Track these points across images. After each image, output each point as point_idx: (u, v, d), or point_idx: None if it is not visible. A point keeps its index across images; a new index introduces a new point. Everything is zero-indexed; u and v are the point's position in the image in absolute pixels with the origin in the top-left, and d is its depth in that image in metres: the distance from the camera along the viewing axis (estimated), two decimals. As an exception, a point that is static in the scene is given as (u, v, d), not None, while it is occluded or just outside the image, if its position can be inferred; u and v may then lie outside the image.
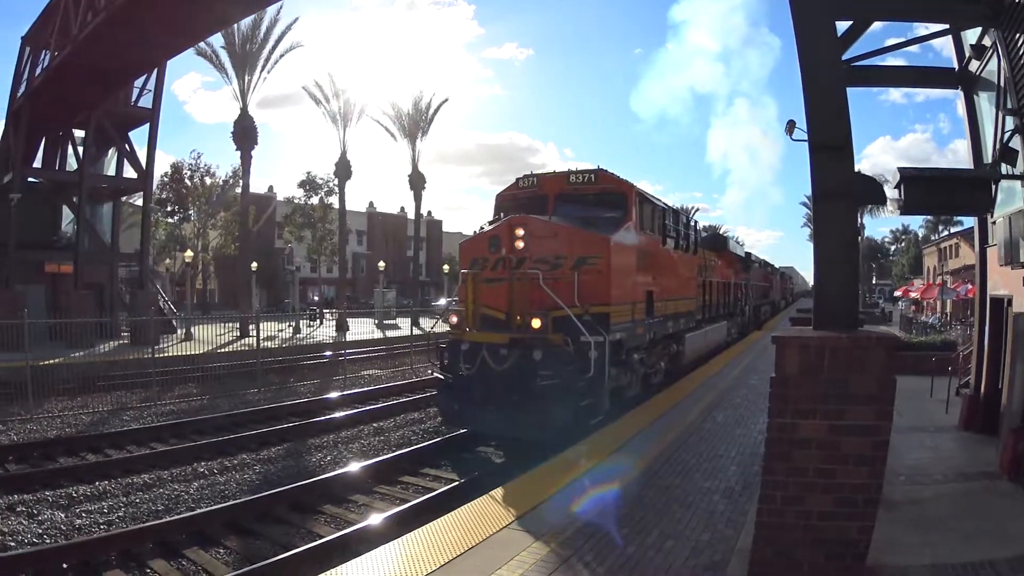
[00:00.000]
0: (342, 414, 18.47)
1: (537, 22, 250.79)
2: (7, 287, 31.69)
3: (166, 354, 28.11)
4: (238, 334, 37.18)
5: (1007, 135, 10.38)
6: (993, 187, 10.81)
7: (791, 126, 13.39)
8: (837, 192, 6.76)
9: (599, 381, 13.17)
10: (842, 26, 7.88)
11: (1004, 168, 10.28)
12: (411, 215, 64.66)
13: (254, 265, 49.18)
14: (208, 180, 58.55)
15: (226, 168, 69.11)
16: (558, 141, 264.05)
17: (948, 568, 6.76)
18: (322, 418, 18.05)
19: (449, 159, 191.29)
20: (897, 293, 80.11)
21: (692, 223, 22.72)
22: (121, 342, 32.20)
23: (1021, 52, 9.55)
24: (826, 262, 6.83)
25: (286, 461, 14.54)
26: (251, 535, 10.30)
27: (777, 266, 69.36)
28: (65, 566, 8.83)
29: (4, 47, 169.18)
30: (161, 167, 42.97)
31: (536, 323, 13.10)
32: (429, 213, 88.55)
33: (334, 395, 21.67)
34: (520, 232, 13.82)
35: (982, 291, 13.28)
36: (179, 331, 35.11)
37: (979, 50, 11.47)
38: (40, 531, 10.26)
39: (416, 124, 55.26)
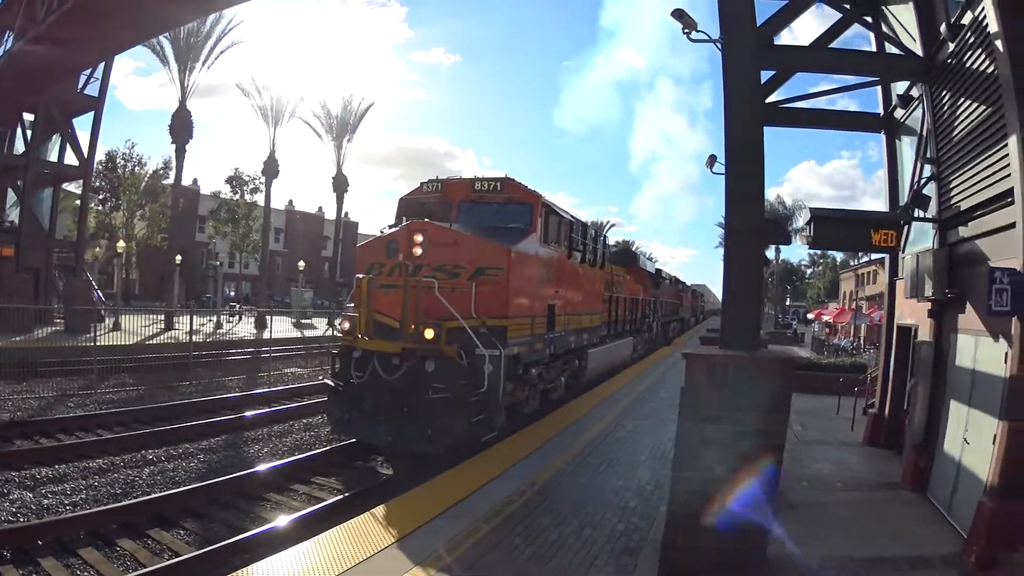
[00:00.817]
0: (269, 410, 19.01)
1: (467, 29, 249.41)
2: None
3: (98, 343, 28.08)
4: (163, 326, 37.29)
5: (923, 181, 11.57)
6: (905, 227, 11.98)
7: (712, 160, 14.53)
8: (746, 231, 7.82)
9: (493, 396, 12.75)
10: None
11: (916, 212, 11.38)
12: (329, 215, 65.17)
13: (178, 258, 49.21)
14: (139, 170, 57.96)
15: (156, 158, 69.12)
16: (477, 149, 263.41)
17: (844, 560, 7.79)
18: (250, 413, 18.40)
19: (368, 160, 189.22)
20: (810, 316, 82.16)
21: (601, 237, 22.63)
22: (55, 328, 32.20)
23: (945, 107, 10.77)
24: (733, 290, 7.91)
25: (226, 451, 15.15)
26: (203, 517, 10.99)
27: (689, 284, 70.89)
28: (40, 543, 9.37)
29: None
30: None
31: (429, 333, 12.57)
32: (347, 214, 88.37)
33: (260, 391, 22.35)
34: (419, 238, 13.57)
35: (889, 319, 14.51)
36: (107, 320, 34.99)
37: (906, 99, 12.71)
38: (13, 510, 10.73)
39: (343, 127, 56.29)
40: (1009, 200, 8.03)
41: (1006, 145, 8.13)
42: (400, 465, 13.74)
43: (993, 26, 8.41)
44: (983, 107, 9.24)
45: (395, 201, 16.39)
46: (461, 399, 12.30)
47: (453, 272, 13.28)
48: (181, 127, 41.17)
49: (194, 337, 28.38)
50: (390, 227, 15.63)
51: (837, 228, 11.08)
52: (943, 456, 10.16)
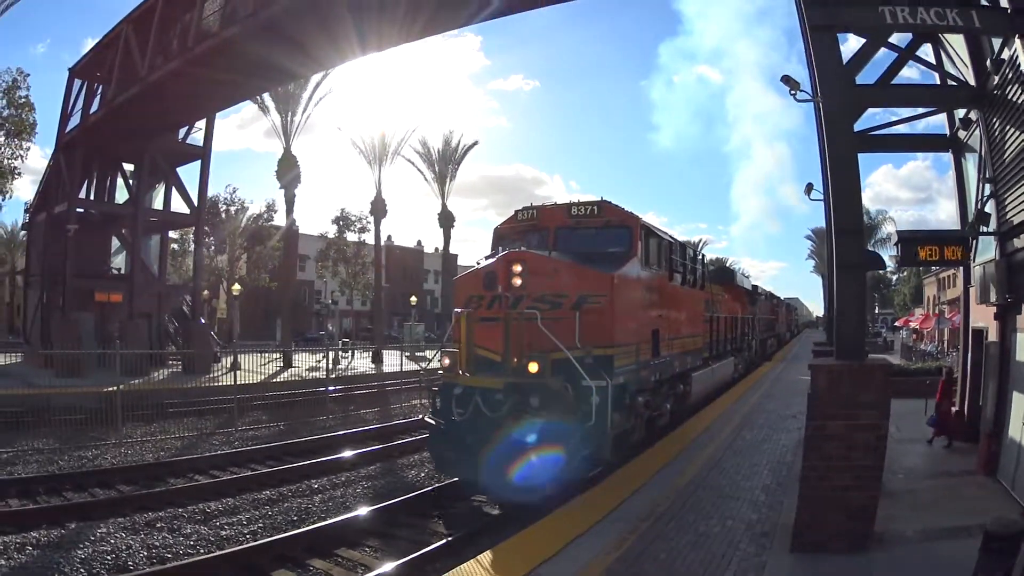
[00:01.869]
0: (413, 438, 19.61)
1: (542, 55, 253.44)
2: (63, 314, 33.60)
3: (220, 383, 30.02)
4: (281, 364, 39.01)
5: (984, 198, 13.23)
6: (972, 242, 13.66)
7: (809, 188, 16.36)
8: (852, 264, 9.75)
9: (601, 429, 12.38)
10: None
11: (980, 227, 13.08)
12: (427, 249, 66.77)
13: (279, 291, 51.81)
14: (241, 215, 61.28)
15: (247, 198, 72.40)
16: (564, 173, 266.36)
17: (932, 531, 9.49)
18: (398, 442, 19.35)
19: (454, 191, 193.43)
20: (898, 323, 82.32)
21: (700, 256, 22.03)
22: (172, 370, 33.88)
23: (997, 131, 12.40)
24: (843, 313, 9.76)
25: (386, 478, 16.15)
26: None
27: (782, 297, 68.67)
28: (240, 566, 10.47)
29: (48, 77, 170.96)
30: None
31: (534, 367, 12.19)
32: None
33: (399, 422, 23.53)
34: (518, 268, 13.29)
35: (965, 323, 16.08)
36: (222, 360, 36.95)
37: (966, 122, 14.26)
38: (191, 543, 11.60)
39: (445, 164, 57.54)
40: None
41: None
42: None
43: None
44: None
45: (485, 231, 16.10)
46: (568, 434, 11.96)
47: (555, 302, 13.06)
48: (288, 172, 43.16)
49: (317, 374, 30.11)
50: (486, 258, 15.29)
51: (922, 246, 12.92)
52: (1009, 442, 11.77)
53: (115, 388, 21.73)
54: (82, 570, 10.36)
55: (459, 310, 13.54)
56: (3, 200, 39.27)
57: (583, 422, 12.07)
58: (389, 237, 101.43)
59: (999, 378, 12.58)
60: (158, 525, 12.49)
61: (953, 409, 16.24)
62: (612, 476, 12.84)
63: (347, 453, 18.10)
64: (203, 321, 42.33)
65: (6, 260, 46.07)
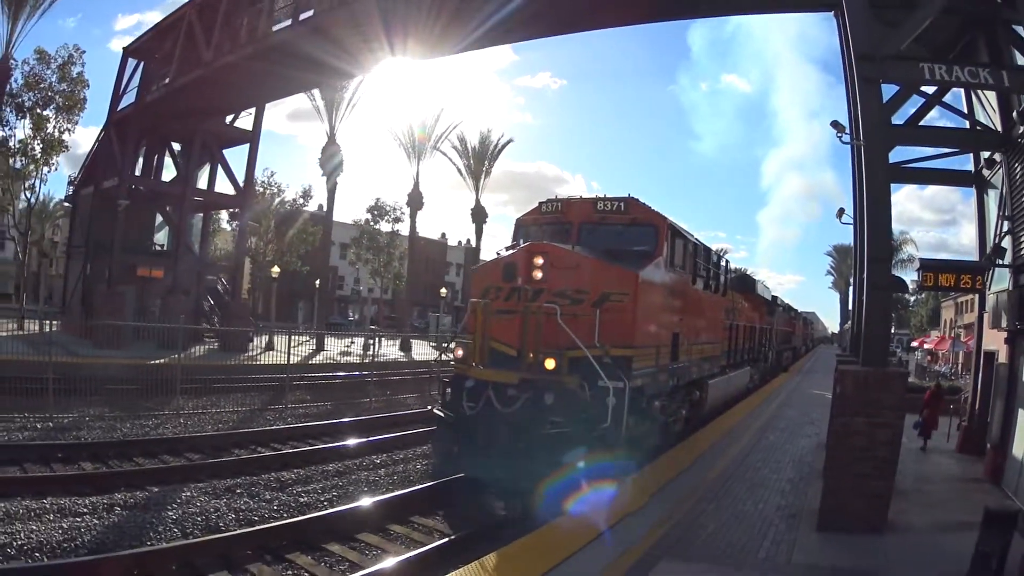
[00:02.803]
0: None
1: (572, 53, 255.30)
2: (109, 287, 34.94)
3: (259, 362, 31.63)
4: (314, 347, 40.16)
5: (1002, 234, 14.78)
6: (989, 272, 15.23)
7: (840, 212, 17.92)
8: (880, 286, 11.31)
9: (616, 432, 12.14)
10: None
11: (996, 260, 14.67)
12: (451, 241, 68.45)
13: (317, 282, 53.77)
14: (276, 199, 62.88)
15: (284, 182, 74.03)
16: (587, 173, 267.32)
17: (941, 524, 11.10)
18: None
19: (450, 177, 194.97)
20: (914, 343, 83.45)
21: (724, 262, 21.76)
22: (209, 347, 34.52)
23: (1018, 175, 13.95)
24: (871, 325, 11.37)
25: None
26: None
27: (800, 311, 68.71)
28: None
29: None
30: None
31: (550, 363, 12.12)
32: (468, 241, 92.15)
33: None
34: (539, 261, 13.00)
35: (978, 346, 17.62)
36: (254, 340, 37.95)
37: (990, 162, 15.81)
38: (274, 508, 12.45)
39: (481, 161, 58.93)
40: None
41: None
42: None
43: None
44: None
45: (506, 226, 16.59)
46: (582, 435, 11.88)
47: (576, 298, 12.83)
48: (331, 162, 45.04)
49: (349, 358, 31.13)
50: (507, 249, 15.21)
51: (942, 274, 14.52)
52: (1014, 453, 13.33)
53: (176, 361, 23.22)
54: (175, 529, 11.15)
55: (475, 300, 13.48)
56: (49, 172, 41.09)
57: (598, 424, 11.90)
58: (399, 221, 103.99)
59: (1006, 397, 14.15)
60: (237, 491, 13.28)
61: (963, 424, 17.84)
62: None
63: (399, 433, 19.04)
64: (245, 300, 43.63)
65: (35, 231, 47.26)
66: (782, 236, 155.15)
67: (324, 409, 24.08)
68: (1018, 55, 13.51)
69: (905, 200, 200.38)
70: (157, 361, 24.65)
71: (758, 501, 12.15)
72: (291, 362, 28.80)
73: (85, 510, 11.50)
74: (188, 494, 12.81)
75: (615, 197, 14.89)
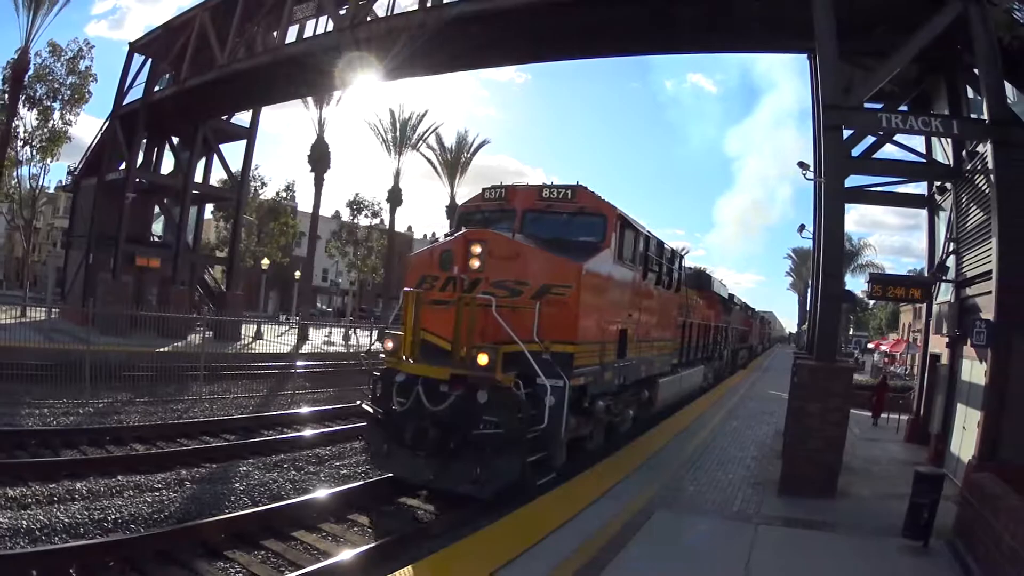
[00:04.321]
0: None
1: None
2: (114, 276, 36.21)
3: (252, 351, 33.44)
4: (297, 338, 41.72)
5: (946, 254, 17.25)
6: (934, 286, 17.70)
7: (802, 228, 20.43)
8: (833, 297, 13.91)
9: (555, 433, 11.76)
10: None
11: (940, 276, 17.20)
12: (416, 234, 70.48)
13: (297, 274, 55.63)
14: (260, 192, 64.61)
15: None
16: (547, 168, 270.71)
17: (884, 494, 13.44)
18: None
19: (427, 173, 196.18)
20: (871, 345, 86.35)
21: (678, 257, 21.04)
22: (206, 336, 34.85)
23: (963, 204, 16.48)
24: (824, 328, 13.91)
25: None
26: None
27: (757, 310, 69.84)
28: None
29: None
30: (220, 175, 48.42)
31: (483, 359, 11.37)
32: (435, 234, 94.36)
33: None
34: (477, 249, 12.53)
35: (925, 349, 20.24)
36: (243, 329, 39.70)
37: (941, 190, 18.29)
38: (320, 479, 13.75)
39: (457, 160, 60.81)
40: (989, 277, 13.57)
41: (991, 242, 13.54)
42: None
43: (990, 162, 13.64)
44: (981, 212, 14.84)
45: None
46: (517, 436, 11.28)
47: (515, 289, 12.33)
48: (319, 159, 46.48)
49: (333, 348, 32.57)
50: (446, 235, 14.79)
51: (889, 287, 17.03)
52: (952, 441, 15.88)
53: (199, 349, 25.15)
54: (245, 499, 12.33)
55: (408, 289, 12.83)
56: (51, 162, 42.42)
57: (535, 424, 11.45)
58: (382, 221, 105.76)
59: (947, 393, 16.71)
60: (284, 466, 14.66)
61: (910, 417, 20.44)
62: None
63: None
64: (240, 292, 45.09)
65: (24, 218, 48.33)
66: (741, 236, 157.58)
67: (330, 395, 25.57)
68: (971, 92, 15.89)
69: (866, 206, 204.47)
70: (162, 349, 26.44)
71: (727, 471, 14.70)
72: (283, 351, 31.28)
73: (159, 485, 12.71)
74: (244, 469, 14.19)
75: (562, 184, 14.25)
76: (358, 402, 15.85)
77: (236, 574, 9.54)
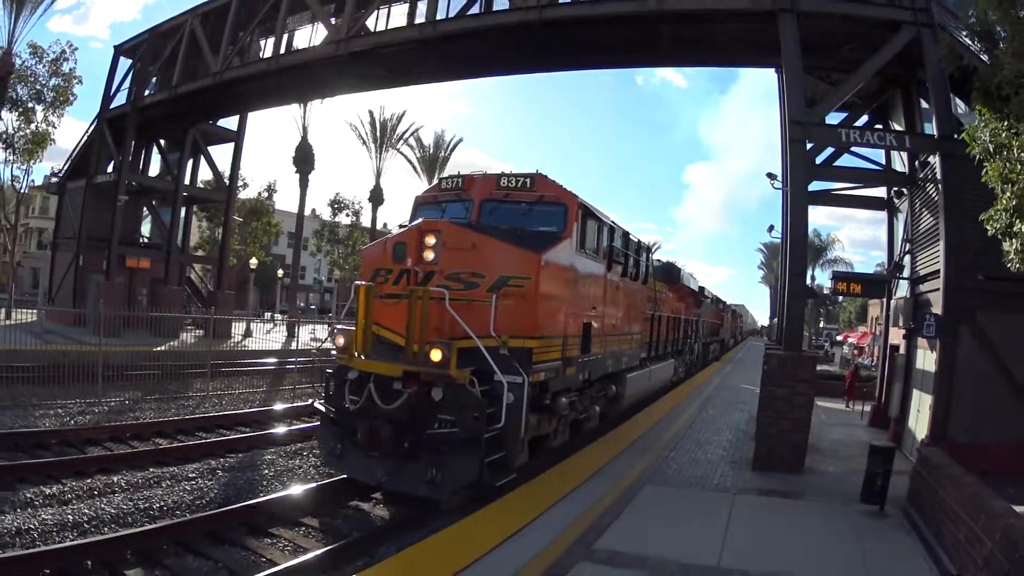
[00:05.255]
0: None
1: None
2: (108, 278, 36.71)
3: (244, 347, 34.79)
4: (286, 334, 43.00)
5: (902, 253, 19.00)
6: (893, 282, 19.47)
7: (771, 228, 22.46)
8: (798, 293, 15.62)
9: (513, 432, 11.46)
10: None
11: (897, 273, 18.98)
12: (394, 230, 71.42)
13: (280, 272, 56.66)
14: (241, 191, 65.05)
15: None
16: (516, 163, 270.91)
17: (847, 471, 15.04)
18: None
19: (408, 171, 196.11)
20: (839, 338, 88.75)
21: (645, 249, 20.73)
22: (197, 335, 37.38)
23: (917, 207, 18.25)
24: (791, 322, 15.70)
25: None
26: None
27: (729, 303, 70.02)
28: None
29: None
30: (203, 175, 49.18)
31: (436, 355, 11.00)
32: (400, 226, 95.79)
33: None
34: (431, 240, 12.20)
35: (885, 340, 22.08)
36: (233, 328, 40.94)
37: (898, 194, 20.11)
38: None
39: (435, 158, 62.22)
40: (938, 275, 15.35)
41: (939, 243, 15.30)
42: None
43: (938, 172, 15.40)
44: (931, 217, 16.60)
45: None
46: (473, 435, 10.94)
47: (470, 282, 12.01)
48: (304, 159, 47.70)
49: (324, 344, 33.20)
50: (401, 227, 14.50)
51: (851, 283, 18.81)
52: (908, 423, 17.73)
53: (207, 349, 26.37)
54: (276, 484, 13.24)
55: (359, 283, 12.42)
56: (33, 164, 42.87)
57: (492, 423, 11.13)
58: (357, 215, 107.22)
59: (904, 380, 18.57)
60: (304, 453, 15.59)
61: (873, 404, 22.30)
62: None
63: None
64: (229, 291, 45.66)
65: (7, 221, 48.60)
66: (712, 228, 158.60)
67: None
68: (924, 103, 17.53)
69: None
70: (159, 348, 27.83)
71: (706, 450, 16.49)
72: (275, 348, 32.57)
73: (193, 475, 13.49)
74: (268, 457, 15.15)
75: (521, 173, 13.98)
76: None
77: (284, 547, 10.50)
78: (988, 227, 10.52)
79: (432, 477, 10.95)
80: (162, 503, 11.77)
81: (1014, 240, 10.07)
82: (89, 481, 12.65)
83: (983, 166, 10.56)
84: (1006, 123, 10.20)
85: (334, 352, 12.82)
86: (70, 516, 10.81)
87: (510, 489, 11.55)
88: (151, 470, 13.74)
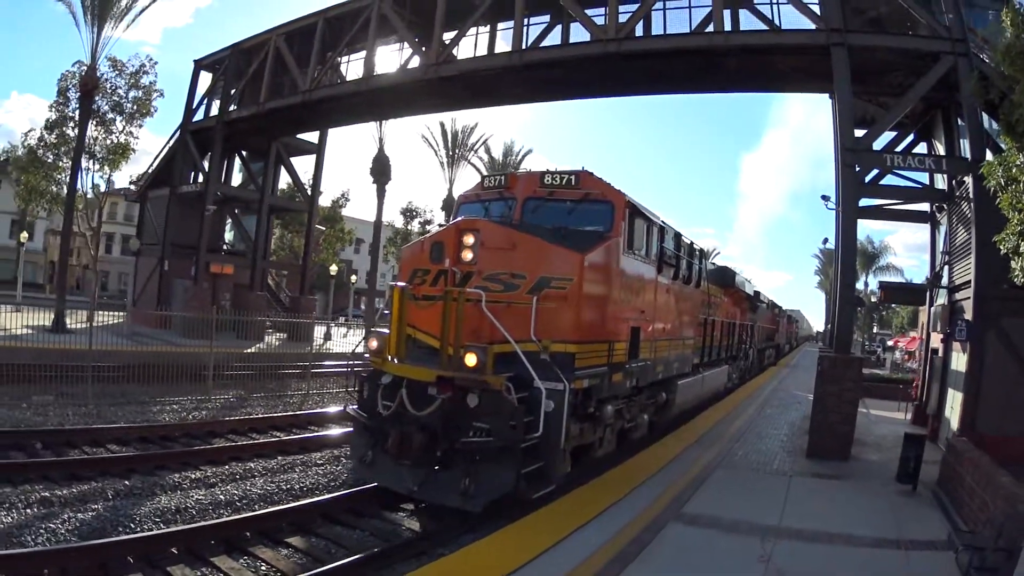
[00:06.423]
0: None
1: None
2: (196, 283, 39.27)
3: (328, 350, 36.90)
4: (363, 337, 43.42)
5: (942, 264, 21.09)
6: (933, 291, 21.57)
7: (825, 240, 24.82)
8: (848, 302, 17.86)
9: (553, 441, 10.88)
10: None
11: (936, 282, 21.08)
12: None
13: (353, 278, 59.02)
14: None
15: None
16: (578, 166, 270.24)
17: (888, 459, 17.10)
18: None
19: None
20: (891, 343, 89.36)
21: (698, 250, 20.03)
22: (279, 338, 38.82)
23: (955, 222, 20.24)
24: (841, 328, 17.85)
25: None
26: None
27: (784, 308, 67.62)
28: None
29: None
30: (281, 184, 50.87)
31: (471, 359, 10.58)
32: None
33: None
34: (469, 240, 11.85)
35: (927, 345, 24.18)
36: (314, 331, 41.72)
37: (940, 208, 22.06)
38: None
39: (505, 169, 62.98)
40: (969, 285, 17.43)
41: (971, 256, 17.27)
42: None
43: (970, 192, 17.28)
44: (965, 231, 18.60)
45: None
46: (509, 444, 10.47)
47: (510, 283, 11.59)
48: (381, 170, 49.42)
49: None
50: (440, 227, 13.52)
51: (897, 292, 20.99)
52: (944, 420, 19.77)
53: (308, 353, 28.63)
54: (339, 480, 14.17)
55: (393, 284, 12.19)
56: (113, 173, 44.85)
57: (530, 432, 10.61)
58: (429, 223, 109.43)
59: (941, 380, 20.65)
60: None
61: (915, 403, 24.43)
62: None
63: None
64: (313, 296, 48.04)
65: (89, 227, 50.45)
66: (768, 233, 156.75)
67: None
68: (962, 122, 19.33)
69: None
70: (249, 349, 29.74)
71: (766, 441, 18.79)
72: (358, 351, 32.13)
73: (321, 461, 15.49)
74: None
75: (566, 171, 13.46)
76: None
77: (406, 517, 12.11)
78: (1000, 247, 12.75)
79: (465, 488, 10.54)
80: (300, 484, 13.40)
81: (1020, 258, 12.31)
82: (226, 468, 14.18)
83: (998, 195, 12.76)
84: (1022, 156, 12.30)
85: (367, 355, 12.47)
86: (222, 496, 12.30)
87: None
88: (278, 458, 15.40)
